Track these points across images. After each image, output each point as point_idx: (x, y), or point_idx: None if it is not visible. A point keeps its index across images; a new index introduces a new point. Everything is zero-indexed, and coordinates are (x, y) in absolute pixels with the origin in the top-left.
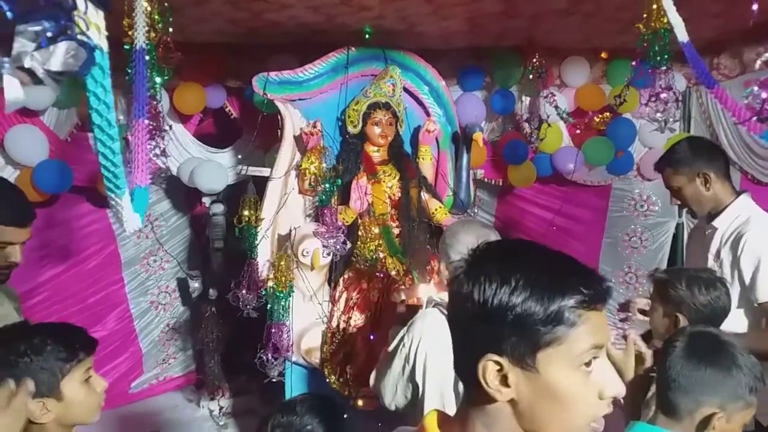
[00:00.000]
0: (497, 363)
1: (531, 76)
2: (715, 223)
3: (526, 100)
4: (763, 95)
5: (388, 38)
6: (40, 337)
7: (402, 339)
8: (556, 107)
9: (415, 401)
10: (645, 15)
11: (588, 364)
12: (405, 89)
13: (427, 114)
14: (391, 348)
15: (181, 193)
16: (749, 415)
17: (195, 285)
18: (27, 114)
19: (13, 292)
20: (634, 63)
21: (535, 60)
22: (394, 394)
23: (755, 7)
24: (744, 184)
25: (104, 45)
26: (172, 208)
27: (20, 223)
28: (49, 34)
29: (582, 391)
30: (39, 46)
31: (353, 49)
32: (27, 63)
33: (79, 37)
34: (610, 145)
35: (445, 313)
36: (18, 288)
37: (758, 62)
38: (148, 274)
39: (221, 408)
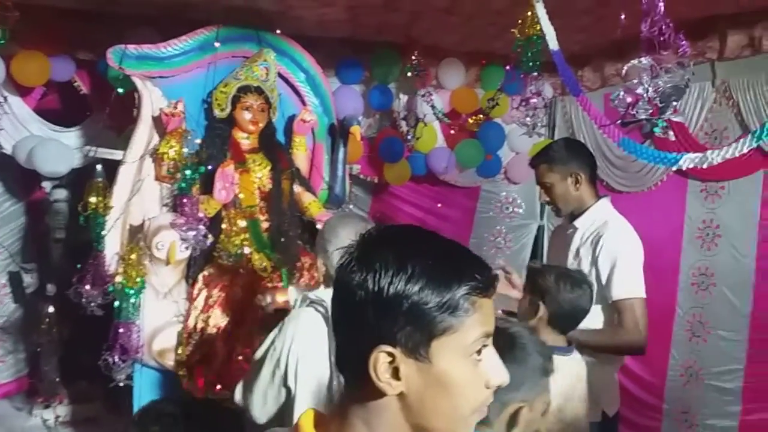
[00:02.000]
0: (389, 354)
1: (409, 74)
2: (577, 223)
3: (404, 98)
4: (628, 100)
5: (263, 20)
6: None
7: (273, 342)
8: (433, 107)
9: (286, 408)
10: (520, 21)
11: (479, 352)
12: (280, 75)
13: (303, 103)
14: (259, 354)
15: (17, 176)
16: (547, 397)
17: (29, 279)
18: None
19: None
20: (507, 68)
21: (413, 58)
22: (263, 404)
23: (623, 16)
24: (600, 191)
25: None
26: (4, 192)
27: None
28: None
29: (471, 380)
30: None
31: (223, 27)
32: None
33: None
34: (480, 148)
35: (321, 311)
36: None
37: (625, 68)
38: None
39: (57, 417)
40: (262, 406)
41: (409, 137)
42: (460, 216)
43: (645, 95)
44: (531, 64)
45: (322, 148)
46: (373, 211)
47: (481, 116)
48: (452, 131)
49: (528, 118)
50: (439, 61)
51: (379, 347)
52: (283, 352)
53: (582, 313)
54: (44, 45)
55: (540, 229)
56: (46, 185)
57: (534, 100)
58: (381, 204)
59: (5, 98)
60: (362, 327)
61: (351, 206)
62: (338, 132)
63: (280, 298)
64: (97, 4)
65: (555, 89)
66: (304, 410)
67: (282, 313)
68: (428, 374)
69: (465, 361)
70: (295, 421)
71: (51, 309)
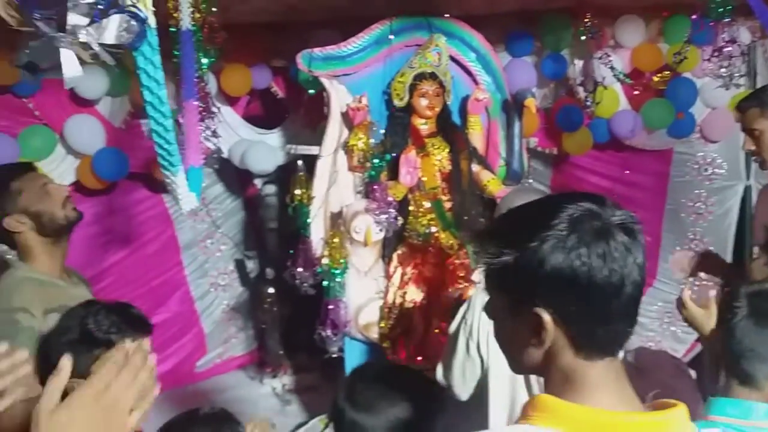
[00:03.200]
0: None
1: (583, 38)
2: None
3: (579, 63)
4: None
5: (432, 6)
6: (79, 320)
7: (464, 316)
8: (612, 69)
9: (483, 380)
10: None
11: None
12: (451, 58)
13: (475, 82)
14: (452, 330)
15: (234, 176)
16: None
17: (252, 265)
18: (82, 104)
19: (83, 277)
20: (693, 17)
21: (586, 20)
22: (463, 380)
23: None
24: None
25: (152, 21)
26: (225, 190)
27: (26, 166)
28: (100, 7)
29: None
30: (92, 20)
31: (396, 19)
32: (82, 37)
33: (130, 8)
34: (669, 106)
35: None
36: (84, 273)
37: None
38: (206, 257)
39: (284, 385)
40: (462, 382)
41: (588, 103)
42: (652, 182)
43: None
44: (721, 9)
45: (497, 125)
46: (554, 184)
47: (668, 72)
48: (636, 92)
49: (723, 69)
50: (614, 20)
51: None
52: (474, 323)
53: None
54: (245, 57)
55: (747, 190)
56: (258, 182)
57: (728, 49)
58: (562, 176)
59: (219, 109)
60: None
61: (530, 181)
62: (512, 107)
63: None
64: (284, 15)
65: (753, 33)
66: (498, 380)
67: None
68: None
69: None
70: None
71: (271, 290)
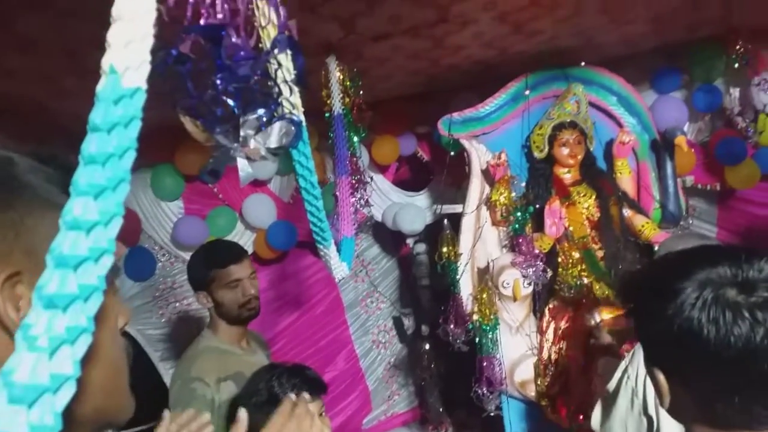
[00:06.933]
0: None
1: (737, 65)
2: None
3: (735, 91)
4: None
5: (566, 57)
6: (266, 383)
7: (625, 371)
8: None
9: None
10: None
11: None
12: (591, 104)
13: (620, 125)
14: (612, 384)
15: (388, 237)
16: None
17: (408, 322)
18: (257, 184)
19: (263, 340)
20: None
21: (738, 47)
22: None
23: None
24: None
25: (303, 120)
26: (381, 251)
27: (227, 262)
28: (264, 119)
29: None
30: (259, 129)
31: (531, 74)
32: (252, 145)
33: (288, 116)
34: None
35: None
36: (263, 335)
37: None
38: (367, 315)
39: None
40: None
41: (749, 133)
42: None
43: None
44: None
45: (648, 166)
46: (722, 222)
47: None
48: None
49: None
50: None
51: None
52: (639, 379)
53: None
54: (392, 128)
55: None
56: (409, 242)
57: None
58: (730, 213)
59: (371, 178)
60: None
61: (691, 221)
62: (662, 146)
63: (607, 316)
64: (425, 86)
65: None
66: None
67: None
68: None
69: None
70: None
71: (427, 347)
